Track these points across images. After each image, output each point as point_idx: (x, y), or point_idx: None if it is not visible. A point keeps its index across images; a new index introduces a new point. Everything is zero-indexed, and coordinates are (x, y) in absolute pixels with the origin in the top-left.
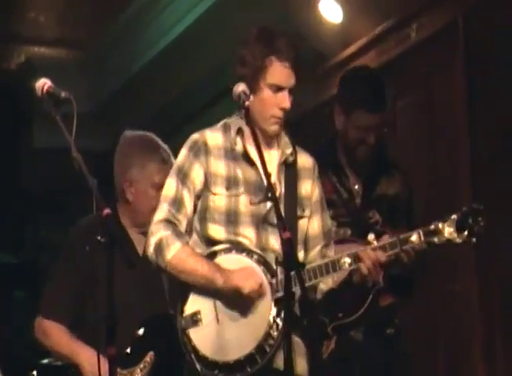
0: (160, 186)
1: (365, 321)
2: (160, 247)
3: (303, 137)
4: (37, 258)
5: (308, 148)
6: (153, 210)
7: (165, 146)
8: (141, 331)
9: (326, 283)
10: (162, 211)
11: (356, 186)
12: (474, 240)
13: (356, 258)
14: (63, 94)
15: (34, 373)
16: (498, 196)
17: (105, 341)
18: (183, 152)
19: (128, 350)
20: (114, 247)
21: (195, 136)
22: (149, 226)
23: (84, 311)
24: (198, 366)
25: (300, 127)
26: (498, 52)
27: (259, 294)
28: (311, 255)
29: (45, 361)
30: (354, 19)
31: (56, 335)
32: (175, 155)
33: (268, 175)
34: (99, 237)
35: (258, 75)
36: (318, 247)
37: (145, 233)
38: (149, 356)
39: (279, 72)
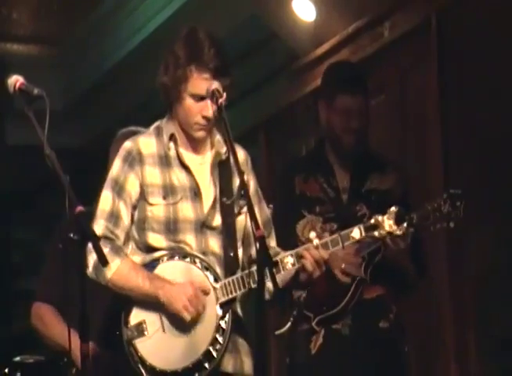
0: None
1: (350, 313)
2: (99, 266)
3: (277, 134)
4: (9, 258)
5: (283, 145)
6: None
7: None
8: None
9: None
10: (98, 227)
11: (345, 183)
12: (452, 224)
13: (298, 256)
14: (35, 91)
15: (6, 370)
16: (470, 194)
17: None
18: (117, 163)
19: None
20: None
21: (128, 145)
22: None
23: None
24: None
25: (274, 124)
26: (471, 51)
27: (199, 312)
28: (254, 249)
29: (17, 359)
30: (327, 17)
31: (51, 324)
32: None
33: (241, 173)
34: (71, 235)
35: (179, 85)
36: None
37: None
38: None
39: (198, 83)
